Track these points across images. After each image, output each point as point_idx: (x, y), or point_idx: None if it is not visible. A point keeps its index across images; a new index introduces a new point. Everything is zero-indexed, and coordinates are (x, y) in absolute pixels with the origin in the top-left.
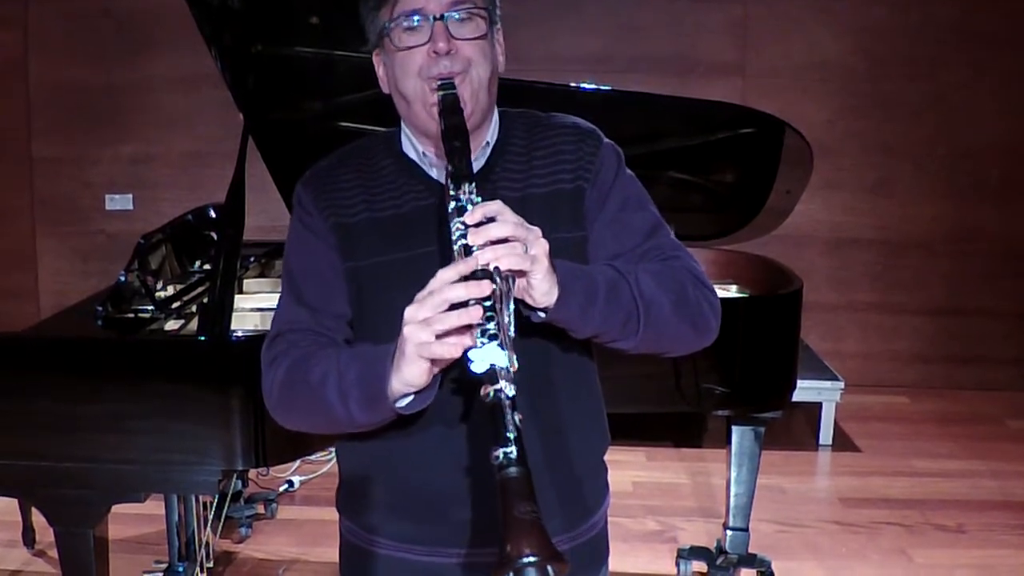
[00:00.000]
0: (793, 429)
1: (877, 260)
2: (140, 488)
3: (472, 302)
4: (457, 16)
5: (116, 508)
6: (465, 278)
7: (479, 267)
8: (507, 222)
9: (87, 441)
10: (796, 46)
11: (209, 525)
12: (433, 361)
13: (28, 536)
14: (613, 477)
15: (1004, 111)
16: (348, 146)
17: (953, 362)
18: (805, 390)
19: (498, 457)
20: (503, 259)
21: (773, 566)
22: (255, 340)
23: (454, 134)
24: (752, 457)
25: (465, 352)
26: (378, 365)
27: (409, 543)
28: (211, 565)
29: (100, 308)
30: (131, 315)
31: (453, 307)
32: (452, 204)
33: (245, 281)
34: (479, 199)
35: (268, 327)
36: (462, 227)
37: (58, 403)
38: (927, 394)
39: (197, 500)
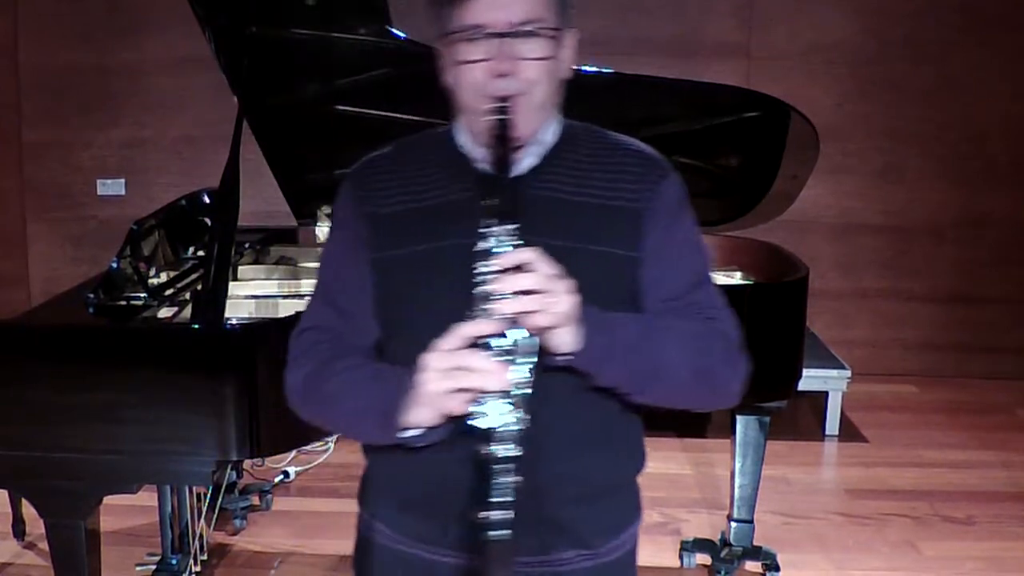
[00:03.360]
0: (799, 419)
1: (885, 246)
2: (132, 479)
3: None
4: (522, 34)
5: (108, 499)
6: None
7: (503, 318)
8: (539, 273)
9: (78, 431)
10: (802, 28)
11: (203, 517)
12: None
13: (18, 528)
14: None
15: (1013, 94)
16: (409, 137)
17: (963, 350)
18: (811, 379)
19: (484, 517)
20: (527, 316)
21: (778, 559)
22: (249, 328)
23: (500, 166)
24: (757, 448)
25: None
26: (392, 396)
27: (407, 536)
28: (205, 558)
29: (92, 295)
30: (123, 302)
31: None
32: (481, 244)
33: (239, 268)
34: (516, 242)
35: (262, 315)
36: (487, 270)
37: (49, 392)
38: (936, 383)
39: (191, 491)
